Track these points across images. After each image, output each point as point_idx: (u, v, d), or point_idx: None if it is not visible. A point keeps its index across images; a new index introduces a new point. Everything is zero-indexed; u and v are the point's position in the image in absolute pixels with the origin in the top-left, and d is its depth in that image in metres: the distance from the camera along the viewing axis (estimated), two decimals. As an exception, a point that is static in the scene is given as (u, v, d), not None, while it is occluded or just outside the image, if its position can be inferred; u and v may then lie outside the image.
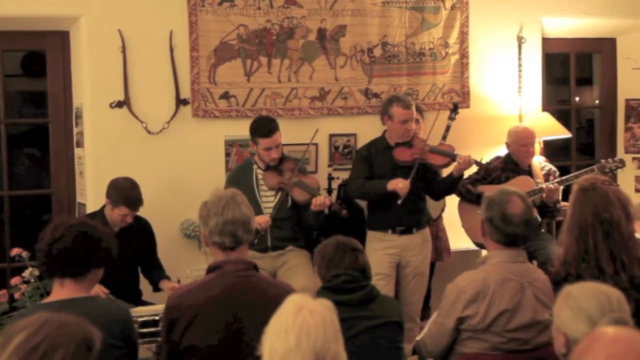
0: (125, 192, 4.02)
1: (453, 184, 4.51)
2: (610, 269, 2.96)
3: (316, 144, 5.00)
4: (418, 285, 4.56)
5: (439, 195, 4.68)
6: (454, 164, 4.42)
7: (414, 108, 4.47)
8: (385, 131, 4.57)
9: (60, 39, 4.83)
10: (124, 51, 4.64)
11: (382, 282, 4.27)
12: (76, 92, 4.83)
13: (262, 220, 4.18)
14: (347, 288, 2.79)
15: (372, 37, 5.18)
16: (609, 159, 4.83)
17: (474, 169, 4.64)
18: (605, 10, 5.80)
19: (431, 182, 4.54)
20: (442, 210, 5.02)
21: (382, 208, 4.47)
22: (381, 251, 4.41)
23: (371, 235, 4.51)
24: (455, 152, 4.45)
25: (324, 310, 1.86)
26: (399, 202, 4.26)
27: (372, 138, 4.66)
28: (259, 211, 4.14)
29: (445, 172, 4.63)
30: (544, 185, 4.74)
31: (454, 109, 4.95)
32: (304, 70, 5.03)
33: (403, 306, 4.44)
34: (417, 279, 4.53)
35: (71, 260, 2.54)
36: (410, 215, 4.44)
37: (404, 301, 4.47)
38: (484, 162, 4.69)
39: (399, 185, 4.26)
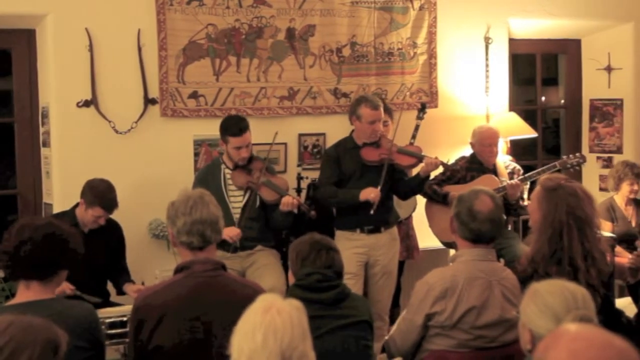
0: (101, 193, 4.00)
1: (420, 184, 4.55)
2: (583, 265, 3.04)
3: (285, 144, 5.00)
4: (386, 284, 4.58)
5: (406, 195, 4.71)
6: (421, 165, 4.46)
7: (382, 109, 4.49)
8: (352, 131, 4.58)
9: (26, 37, 4.77)
10: (91, 50, 4.59)
11: (351, 282, 4.28)
12: (42, 91, 4.77)
13: (232, 234, 4.18)
14: (319, 287, 2.80)
15: (340, 37, 5.20)
16: (571, 155, 4.90)
17: (440, 169, 4.67)
18: (570, 11, 5.89)
19: (398, 182, 4.56)
20: (414, 209, 5.05)
21: (350, 208, 4.48)
22: (349, 250, 4.42)
23: (339, 235, 4.52)
24: (423, 153, 4.48)
25: (292, 310, 1.86)
26: (372, 212, 4.28)
27: (341, 138, 4.67)
28: (226, 211, 4.12)
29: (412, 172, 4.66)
30: (506, 183, 4.79)
31: (422, 109, 4.98)
32: (273, 70, 5.03)
33: (371, 305, 4.45)
34: (385, 278, 4.55)
35: (39, 263, 2.51)
36: (379, 215, 4.47)
37: (372, 300, 4.49)
38: (450, 162, 4.73)
39: (371, 195, 4.27)
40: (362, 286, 4.52)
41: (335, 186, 4.47)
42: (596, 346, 1.40)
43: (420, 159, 4.45)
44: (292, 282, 2.92)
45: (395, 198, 4.68)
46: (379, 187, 4.30)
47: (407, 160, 4.49)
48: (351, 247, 4.42)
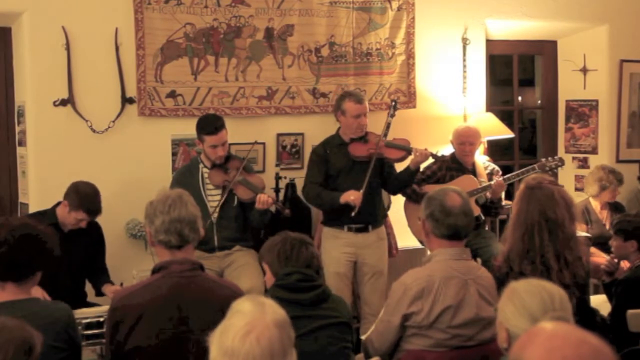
0: (86, 198, 3.94)
1: (411, 177, 4.54)
2: (556, 266, 3.09)
3: (263, 143, 5.00)
4: (377, 284, 4.49)
5: (396, 190, 4.69)
6: (410, 158, 4.45)
7: (366, 103, 4.49)
8: (339, 128, 4.58)
9: (2, 35, 4.72)
10: (68, 48, 4.56)
11: (341, 283, 4.30)
12: (18, 89, 4.73)
13: (354, 196, 4.19)
14: (300, 287, 2.79)
15: (319, 36, 5.20)
16: (549, 158, 4.94)
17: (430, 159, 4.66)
18: (546, 13, 5.94)
19: (388, 177, 4.55)
20: (388, 207, 5.05)
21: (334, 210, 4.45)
22: (337, 250, 4.41)
23: (326, 232, 4.49)
24: (411, 146, 4.49)
25: (274, 333, 1.74)
26: (353, 214, 4.26)
27: (320, 138, 4.67)
28: (204, 209, 4.11)
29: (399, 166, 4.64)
30: (492, 182, 4.83)
31: (393, 106, 4.99)
32: (252, 70, 5.02)
33: (363, 305, 4.46)
34: (375, 278, 4.48)
35: (15, 264, 2.49)
36: (367, 212, 4.39)
37: (364, 300, 4.46)
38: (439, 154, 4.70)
39: (351, 197, 4.25)
40: (351, 286, 4.48)
41: (325, 183, 4.45)
42: (571, 344, 1.42)
43: (409, 151, 4.46)
44: (266, 285, 2.90)
45: None
46: (362, 190, 4.27)
47: (396, 153, 4.49)
48: (338, 246, 4.40)
